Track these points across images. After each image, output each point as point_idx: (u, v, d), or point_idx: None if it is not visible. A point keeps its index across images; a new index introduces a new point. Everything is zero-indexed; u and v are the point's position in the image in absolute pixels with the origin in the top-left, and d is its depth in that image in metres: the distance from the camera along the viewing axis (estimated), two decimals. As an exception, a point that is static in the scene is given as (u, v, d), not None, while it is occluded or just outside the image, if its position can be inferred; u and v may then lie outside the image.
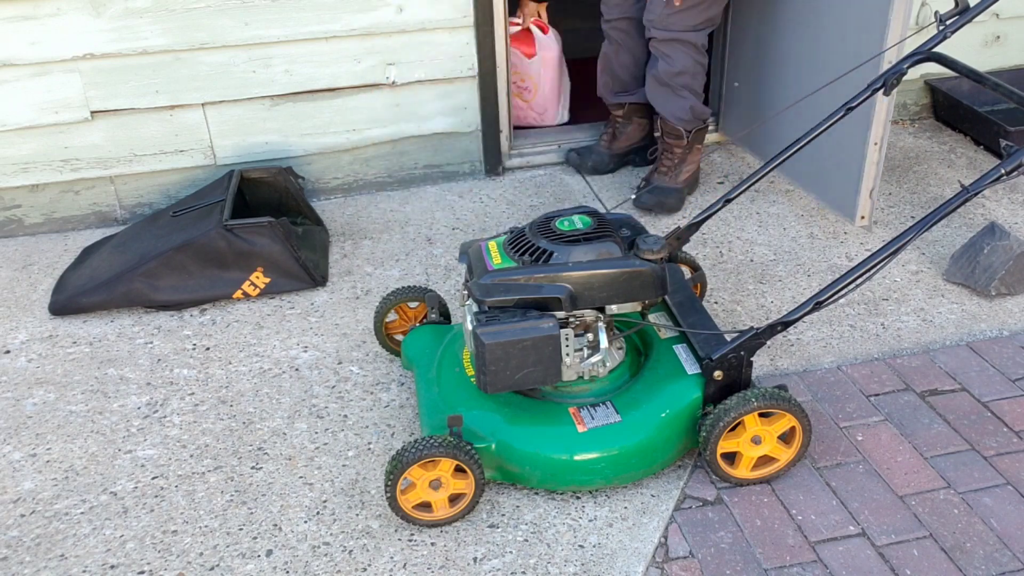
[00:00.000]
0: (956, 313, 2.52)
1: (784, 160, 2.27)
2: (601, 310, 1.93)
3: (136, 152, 2.97)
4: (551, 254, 1.87)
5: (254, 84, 2.95)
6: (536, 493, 1.98)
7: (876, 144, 2.68)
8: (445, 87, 3.12)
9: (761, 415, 1.92)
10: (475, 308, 1.87)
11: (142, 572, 1.82)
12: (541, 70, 3.40)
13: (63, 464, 2.09)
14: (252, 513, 1.95)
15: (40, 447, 2.14)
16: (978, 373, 2.30)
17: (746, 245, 2.87)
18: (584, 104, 3.69)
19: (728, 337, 1.94)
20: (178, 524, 1.93)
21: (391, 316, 2.34)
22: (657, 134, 3.13)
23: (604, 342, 1.93)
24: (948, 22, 2.06)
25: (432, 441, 1.82)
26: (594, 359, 1.95)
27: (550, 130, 3.52)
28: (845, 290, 1.88)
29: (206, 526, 1.92)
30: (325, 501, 1.98)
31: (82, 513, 1.96)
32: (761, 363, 2.34)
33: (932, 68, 3.47)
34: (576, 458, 1.90)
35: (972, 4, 2.06)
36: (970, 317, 2.50)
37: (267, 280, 2.63)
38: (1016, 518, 1.90)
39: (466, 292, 1.95)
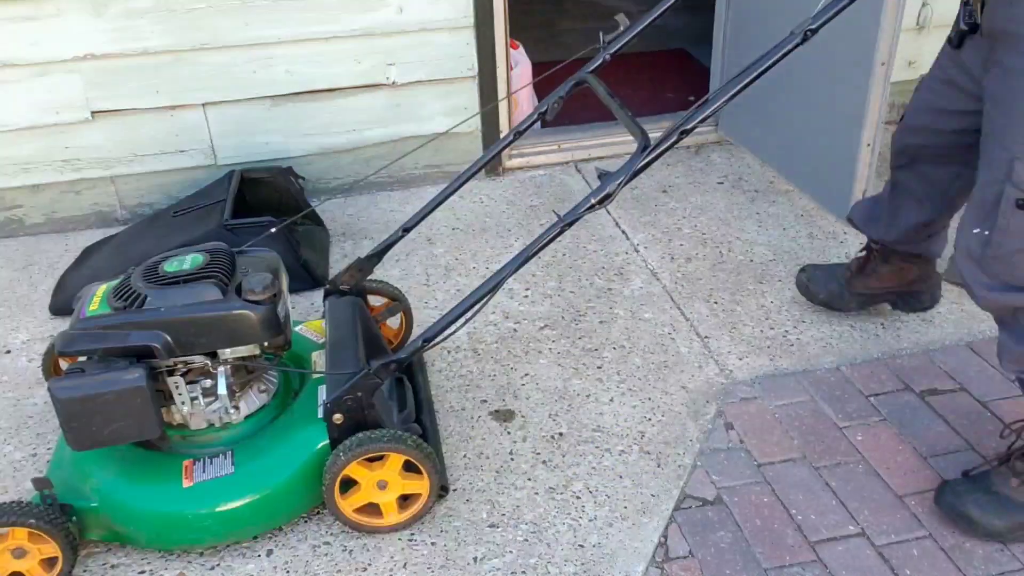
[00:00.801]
0: (956, 313, 2.52)
1: (458, 189, 2.16)
2: (214, 355, 1.80)
3: (137, 152, 2.97)
4: (145, 298, 1.73)
5: (255, 84, 2.95)
6: (537, 493, 1.98)
7: (869, 145, 2.69)
8: (445, 87, 3.12)
9: (369, 459, 1.79)
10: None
11: (142, 572, 1.82)
12: (519, 83, 3.42)
13: (64, 464, 2.09)
14: (252, 513, 1.95)
15: (41, 447, 2.13)
16: (978, 373, 2.30)
17: (746, 245, 2.87)
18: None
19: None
20: (178, 524, 1.93)
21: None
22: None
23: (222, 388, 1.81)
24: (610, 47, 2.04)
25: (7, 508, 1.70)
26: (214, 406, 1.83)
27: (550, 130, 3.52)
28: (451, 328, 1.80)
29: (206, 526, 1.92)
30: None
31: (83, 513, 1.96)
32: (761, 363, 2.34)
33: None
34: (179, 515, 1.77)
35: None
36: (970, 317, 2.50)
37: (267, 280, 2.63)
38: (1016, 518, 1.90)
39: None
